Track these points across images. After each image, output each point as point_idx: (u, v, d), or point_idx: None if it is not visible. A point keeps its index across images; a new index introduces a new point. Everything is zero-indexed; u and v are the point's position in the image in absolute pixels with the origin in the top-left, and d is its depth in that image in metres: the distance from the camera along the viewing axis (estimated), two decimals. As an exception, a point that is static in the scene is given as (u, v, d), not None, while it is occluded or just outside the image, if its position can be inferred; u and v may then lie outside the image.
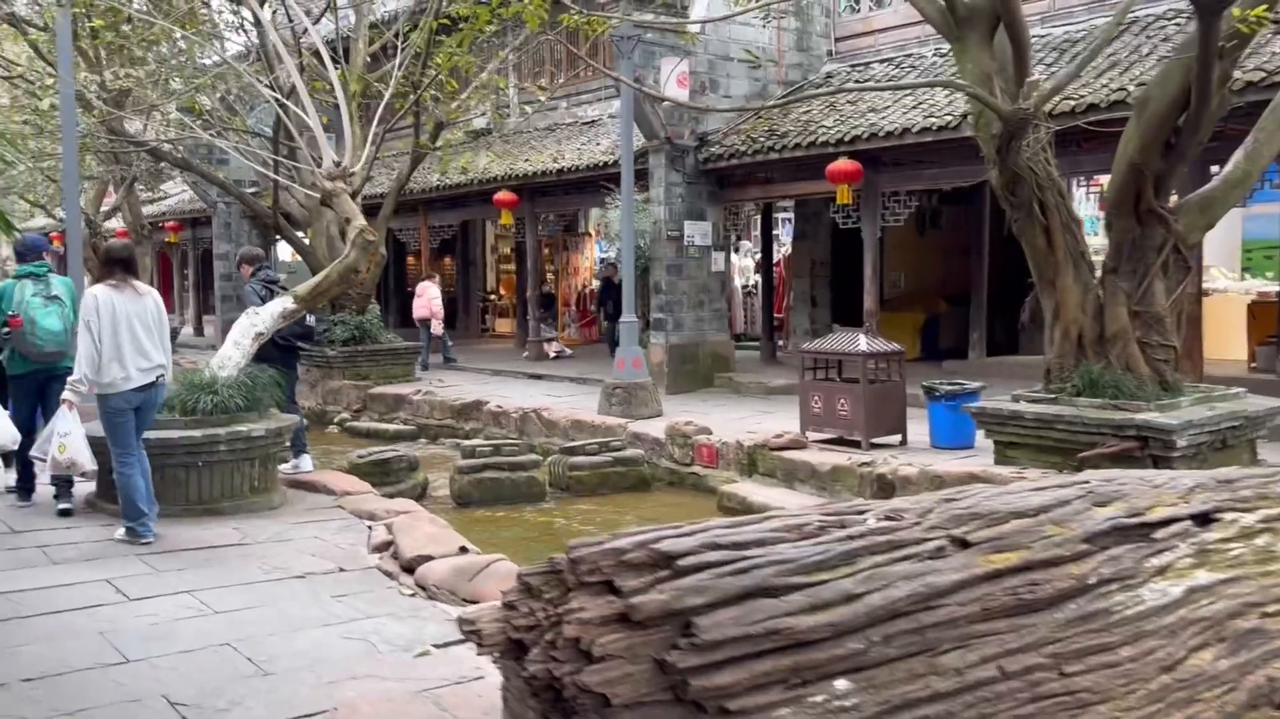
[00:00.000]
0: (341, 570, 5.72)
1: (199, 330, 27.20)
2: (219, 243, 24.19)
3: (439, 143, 15.86)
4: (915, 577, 3.04)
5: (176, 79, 16.66)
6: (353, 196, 8.25)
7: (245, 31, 16.50)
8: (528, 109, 16.58)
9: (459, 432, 13.82)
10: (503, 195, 17.23)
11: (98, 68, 14.35)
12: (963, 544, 3.18)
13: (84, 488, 7.55)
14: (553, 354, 17.98)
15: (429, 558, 5.49)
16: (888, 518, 3.25)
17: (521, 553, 7.34)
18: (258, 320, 7.54)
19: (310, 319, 9.10)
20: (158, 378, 6.36)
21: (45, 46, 15.13)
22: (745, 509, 9.20)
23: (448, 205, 20.04)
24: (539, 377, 16.33)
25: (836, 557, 3.04)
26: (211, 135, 15.69)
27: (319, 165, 8.23)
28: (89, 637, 4.59)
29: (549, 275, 21.97)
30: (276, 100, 9.66)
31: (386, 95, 8.83)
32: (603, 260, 18.83)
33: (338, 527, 6.82)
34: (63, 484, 7.07)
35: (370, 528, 6.68)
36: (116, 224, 24.50)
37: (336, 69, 16.18)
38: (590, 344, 20.37)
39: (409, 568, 5.53)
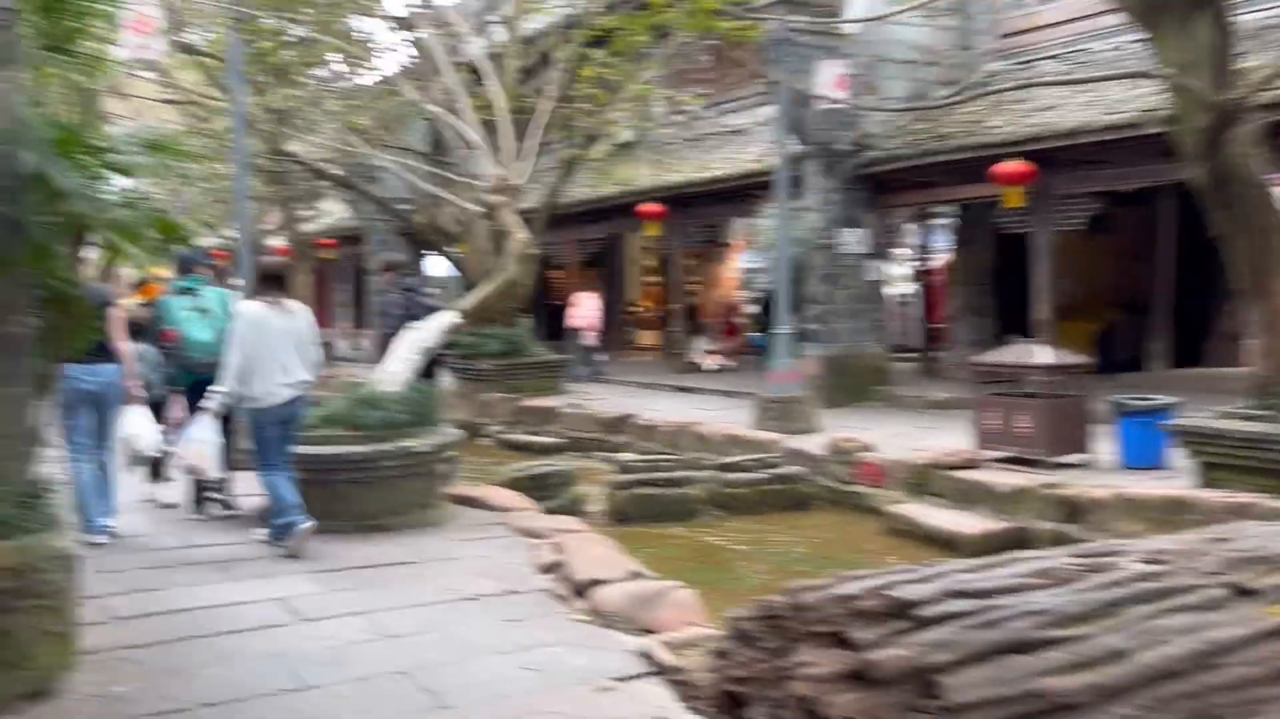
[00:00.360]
0: (512, 593, 5.55)
1: (355, 344, 28.00)
2: (373, 259, 24.89)
3: (588, 156, 15.83)
4: (1192, 631, 2.61)
5: (333, 101, 17.17)
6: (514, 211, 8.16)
7: (396, 52, 16.90)
8: (679, 118, 16.37)
9: (608, 445, 13.65)
10: (649, 207, 17.09)
11: (262, 90, 14.81)
12: (1245, 593, 2.74)
13: (255, 502, 7.65)
14: (711, 367, 17.63)
15: (601, 582, 5.27)
16: (1152, 561, 2.83)
17: (684, 574, 7.06)
18: (422, 335, 7.50)
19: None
20: (301, 393, 6.48)
21: (216, 74, 15.79)
22: (915, 533, 8.73)
23: (593, 219, 20.03)
24: (687, 389, 16.09)
25: (1099, 607, 2.63)
26: (369, 154, 16.10)
27: (478, 179, 8.16)
28: (266, 659, 4.52)
29: (693, 288, 21.74)
30: (437, 116, 9.81)
31: (547, 108, 8.74)
32: (751, 271, 18.50)
33: (503, 545, 6.68)
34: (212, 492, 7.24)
35: (536, 546, 6.51)
36: (278, 242, 25.46)
37: (488, 85, 16.34)
38: (735, 356, 20.02)
39: (581, 592, 5.32)
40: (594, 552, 5.73)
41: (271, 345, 6.33)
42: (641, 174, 17.65)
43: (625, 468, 10.27)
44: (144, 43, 8.47)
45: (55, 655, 4.01)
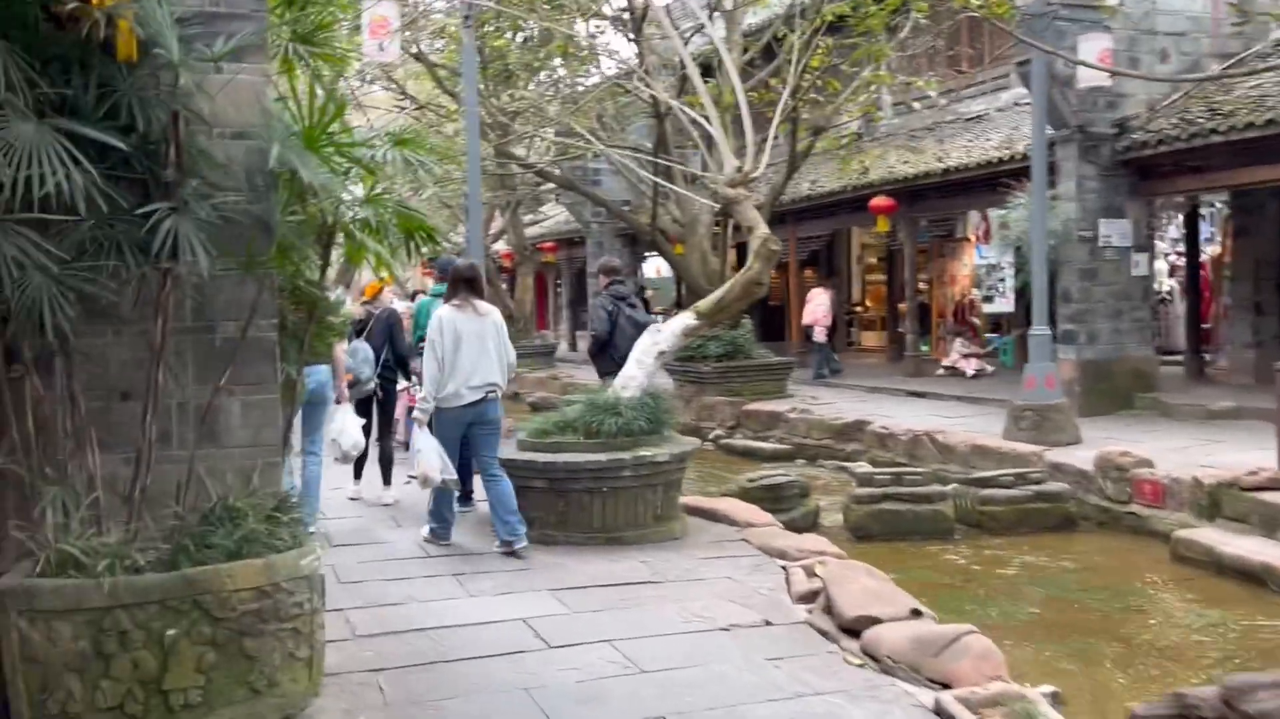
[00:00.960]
0: (769, 624, 5.01)
1: (573, 346, 28.27)
2: (592, 261, 24.99)
3: (813, 148, 15.12)
4: None
5: (554, 104, 17.18)
6: (753, 205, 7.63)
7: (617, 53, 16.73)
8: (916, 105, 15.43)
9: (839, 453, 12.94)
10: (879, 200, 16.21)
11: (489, 95, 14.93)
12: None
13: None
14: (970, 372, 16.49)
15: (875, 620, 4.65)
16: None
17: (942, 602, 6.35)
18: (660, 339, 7.08)
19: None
20: (488, 394, 6.45)
21: (446, 81, 16.06)
22: (1210, 562, 7.62)
23: (816, 215, 19.29)
24: (921, 394, 15.12)
25: None
26: (593, 154, 15.97)
27: (704, 174, 7.68)
28: (513, 693, 4.15)
29: (922, 285, 20.60)
30: (671, 111, 9.44)
31: (783, 98, 8.18)
32: (988, 267, 17.27)
33: (749, 565, 6.15)
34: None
35: (786, 569, 5.96)
36: (502, 246, 26.02)
37: (709, 81, 15.93)
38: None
39: (851, 629, 4.71)
40: (862, 582, 5.11)
41: (464, 347, 6.35)
42: (870, 166, 16.78)
43: (865, 480, 9.56)
44: (381, 44, 8.47)
45: (301, 681, 3.77)
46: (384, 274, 9.10)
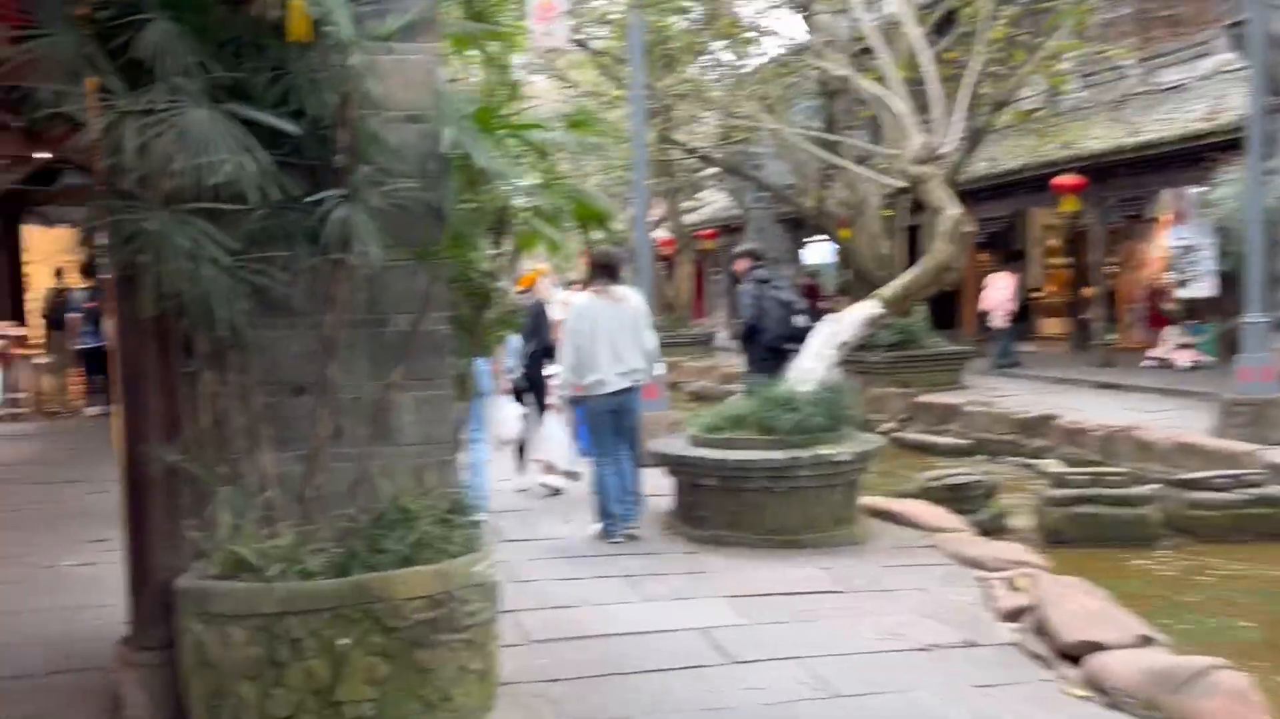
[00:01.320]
0: (972, 645, 4.56)
1: (733, 334, 27.89)
2: (736, 248, 24.57)
3: (993, 124, 14.27)
4: None
5: (717, 87, 16.80)
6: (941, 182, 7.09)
7: (779, 35, 16.22)
8: (1105, 76, 14.38)
9: (1023, 449, 12.15)
10: (1065, 179, 15.20)
11: (654, 79, 14.68)
12: None
13: (658, 504, 7.19)
14: (1185, 364, 15.29)
15: (1099, 646, 4.13)
16: None
17: (1154, 617, 5.71)
18: (840, 328, 6.66)
19: (801, 319, 8.05)
20: (634, 382, 6.40)
21: (611, 69, 15.88)
22: None
23: (993, 196, 18.27)
24: (1111, 386, 14.10)
25: None
26: (756, 137, 15.57)
27: (886, 151, 7.18)
28: (695, 715, 3.85)
29: (1111, 270, 19.30)
30: (829, 90, 8.99)
31: (975, 67, 7.58)
32: (1184, 249, 15.96)
33: (941, 576, 5.68)
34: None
35: (984, 581, 5.46)
36: (661, 234, 25.82)
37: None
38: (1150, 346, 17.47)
39: (1069, 655, 4.22)
40: (1079, 601, 4.59)
41: (603, 335, 6.30)
42: (1054, 143, 15.75)
43: (1059, 480, 8.85)
44: (548, 29, 8.30)
45: (474, 696, 3.56)
46: (539, 265, 9.06)
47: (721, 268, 30.70)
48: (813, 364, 6.60)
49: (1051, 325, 21.03)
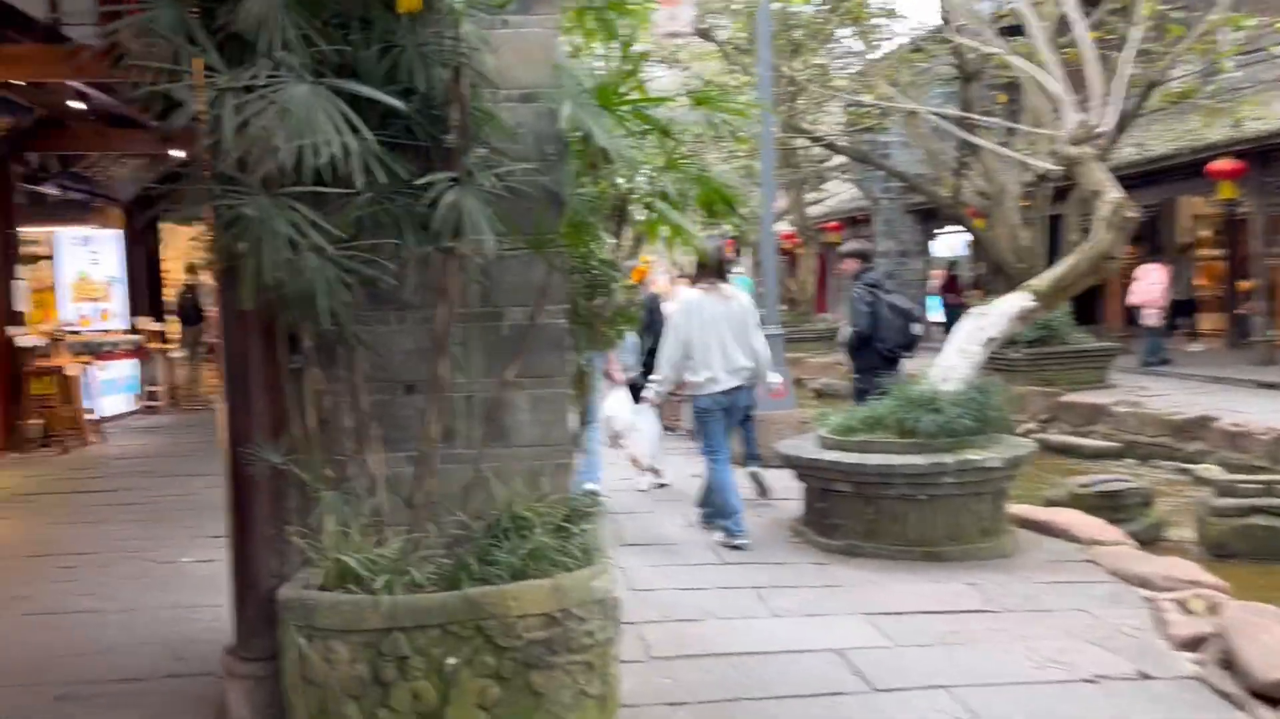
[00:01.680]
0: (1146, 677, 4.05)
1: (841, 340, 27.15)
2: (880, 240, 23.79)
3: (1144, 106, 13.33)
4: None
5: (844, 74, 16.25)
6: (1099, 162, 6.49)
7: (907, 18, 15.53)
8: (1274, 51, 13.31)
9: (1177, 453, 11.32)
10: (1222, 164, 14.16)
11: (777, 66, 14.24)
12: None
13: (785, 510, 6.82)
14: None
15: (1306, 689, 3.60)
16: None
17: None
18: (987, 322, 6.15)
19: (919, 328, 7.78)
20: (744, 380, 6.31)
21: (734, 59, 15.48)
22: None
23: (1142, 182, 17.18)
24: (1274, 386, 13.04)
25: None
26: (887, 123, 14.96)
27: (1039, 131, 6.61)
28: (837, 749, 3.48)
29: (1275, 261, 17.97)
30: (967, 73, 8.43)
31: (1135, 39, 6.94)
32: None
33: (1104, 595, 5.15)
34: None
35: (1153, 603, 4.92)
36: (784, 226, 25.26)
37: (1017, 40, 14.45)
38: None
39: (1266, 696, 3.69)
40: (1275, 632, 4.03)
41: (710, 332, 6.20)
42: (1215, 124, 14.68)
43: (1226, 489, 8.11)
44: (673, 12, 7.98)
45: (593, 722, 3.26)
46: (648, 257, 8.83)
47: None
48: (957, 361, 6.12)
49: (1204, 320, 19.74)
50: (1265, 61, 15.06)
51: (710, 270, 6.36)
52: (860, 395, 8.08)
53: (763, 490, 7.37)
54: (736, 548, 6.03)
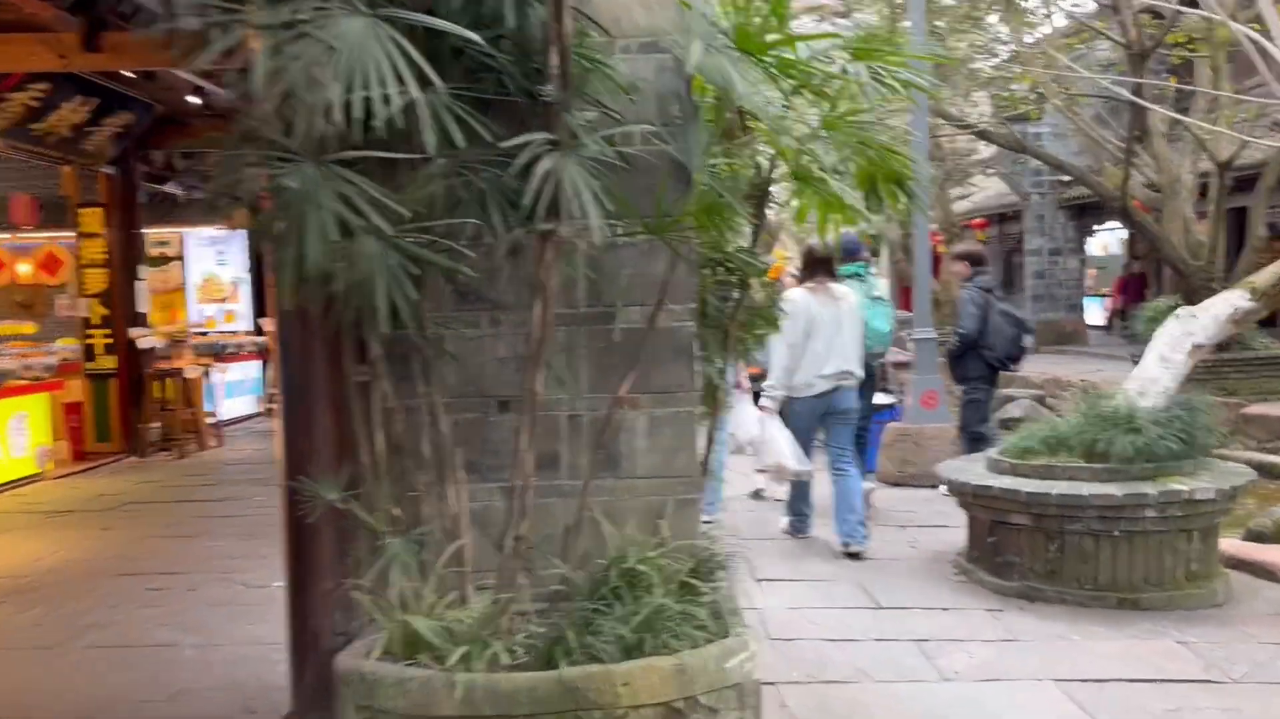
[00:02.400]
0: None
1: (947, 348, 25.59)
2: (1030, 237, 22.31)
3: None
4: None
5: (988, 67, 15.08)
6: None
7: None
8: None
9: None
10: None
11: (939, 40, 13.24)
12: None
13: (948, 541, 5.94)
14: None
15: None
16: None
17: None
18: (1195, 326, 5.17)
19: (1030, 340, 7.57)
20: (841, 383, 6.10)
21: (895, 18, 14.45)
22: None
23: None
24: None
25: None
26: (1041, 110, 13.76)
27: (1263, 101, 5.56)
28: None
29: None
30: (1140, 50, 7.31)
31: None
32: None
33: (1361, 666, 4.14)
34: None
35: None
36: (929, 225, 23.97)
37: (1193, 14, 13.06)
38: None
39: None
40: None
41: (818, 334, 6.00)
42: None
43: None
44: (815, -19, 7.17)
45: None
46: (781, 251, 8.11)
47: (995, 260, 28.38)
48: (1158, 372, 5.14)
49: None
50: None
51: (818, 268, 6.16)
52: (973, 408, 7.42)
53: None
54: (795, 535, 6.27)
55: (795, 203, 3.21)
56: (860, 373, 6.23)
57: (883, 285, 7.59)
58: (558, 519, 2.91)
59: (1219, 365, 12.91)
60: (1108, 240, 27.54)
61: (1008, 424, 14.72)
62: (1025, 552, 5.07)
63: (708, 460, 3.39)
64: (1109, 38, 12.55)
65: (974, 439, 7.39)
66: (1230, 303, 5.14)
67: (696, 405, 3.10)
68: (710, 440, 3.47)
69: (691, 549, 2.93)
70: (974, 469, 5.48)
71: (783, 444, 5.83)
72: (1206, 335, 5.14)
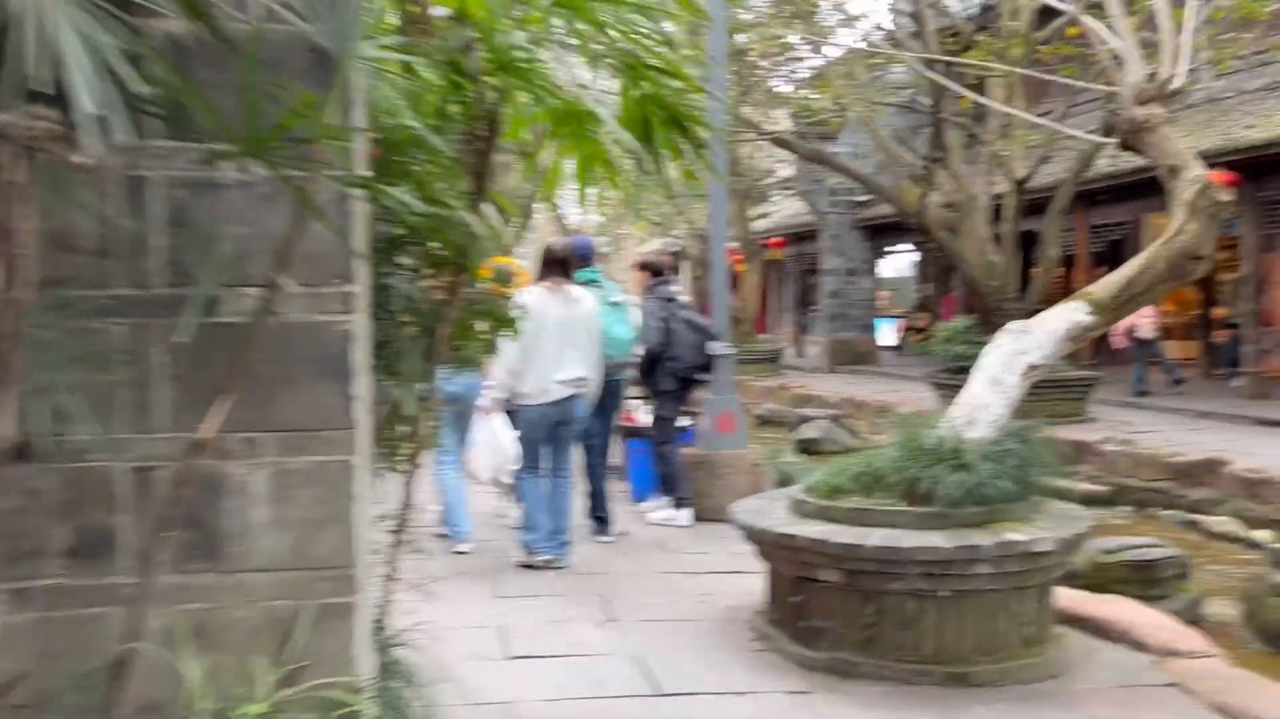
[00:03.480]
0: None
1: (799, 351, 25.54)
2: (827, 257, 22.25)
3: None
4: None
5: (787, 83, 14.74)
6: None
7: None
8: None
9: (1180, 501, 9.78)
10: (1214, 176, 12.71)
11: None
12: None
13: (744, 599, 4.98)
14: None
15: None
16: None
17: None
18: (1027, 343, 4.40)
19: (718, 345, 7.17)
20: (577, 391, 5.81)
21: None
22: None
23: (1113, 198, 15.86)
24: (1275, 424, 11.60)
25: None
26: (841, 127, 13.41)
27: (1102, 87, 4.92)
28: None
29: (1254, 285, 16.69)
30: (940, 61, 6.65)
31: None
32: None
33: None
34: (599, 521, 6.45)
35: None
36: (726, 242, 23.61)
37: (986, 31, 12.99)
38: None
39: None
40: None
41: (549, 337, 5.65)
42: (1198, 135, 13.34)
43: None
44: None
45: None
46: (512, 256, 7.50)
47: (790, 279, 28.42)
48: (988, 397, 4.34)
49: (1175, 349, 18.45)
50: (1247, 71, 13.82)
51: (555, 267, 5.87)
52: (662, 424, 6.93)
53: (602, 529, 6.52)
54: (531, 567, 5.64)
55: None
56: (597, 380, 5.95)
57: (622, 290, 6.77)
58: (92, 643, 1.69)
59: (1012, 388, 12.76)
60: (899, 263, 28.06)
61: (806, 447, 14.28)
62: (837, 615, 4.14)
63: (402, 535, 2.24)
64: (911, 57, 12.17)
65: (661, 457, 7.06)
66: (1067, 317, 4.40)
67: (357, 452, 1.93)
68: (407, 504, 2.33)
69: (346, 690, 1.77)
70: (774, 512, 4.52)
71: (484, 451, 5.66)
72: (1042, 354, 4.37)
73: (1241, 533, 8.79)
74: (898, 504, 4.24)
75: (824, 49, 14.13)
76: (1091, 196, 15.79)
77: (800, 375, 20.92)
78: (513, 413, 6.02)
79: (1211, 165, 12.56)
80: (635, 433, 8.03)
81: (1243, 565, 8.00)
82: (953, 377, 13.56)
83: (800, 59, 15.21)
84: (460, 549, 5.99)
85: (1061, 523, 4.26)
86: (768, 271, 27.56)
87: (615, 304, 6.61)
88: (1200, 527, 9.17)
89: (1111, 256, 18.91)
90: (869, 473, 4.40)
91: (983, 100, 10.60)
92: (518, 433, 5.84)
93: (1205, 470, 9.71)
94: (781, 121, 17.32)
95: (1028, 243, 14.36)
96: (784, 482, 9.18)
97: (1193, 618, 6.53)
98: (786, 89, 16.94)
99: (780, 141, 14.29)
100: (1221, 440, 10.72)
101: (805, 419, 15.25)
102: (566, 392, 5.72)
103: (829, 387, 18.44)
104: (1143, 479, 10.37)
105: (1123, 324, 13.89)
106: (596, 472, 6.55)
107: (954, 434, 4.29)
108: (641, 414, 8.17)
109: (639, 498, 7.81)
